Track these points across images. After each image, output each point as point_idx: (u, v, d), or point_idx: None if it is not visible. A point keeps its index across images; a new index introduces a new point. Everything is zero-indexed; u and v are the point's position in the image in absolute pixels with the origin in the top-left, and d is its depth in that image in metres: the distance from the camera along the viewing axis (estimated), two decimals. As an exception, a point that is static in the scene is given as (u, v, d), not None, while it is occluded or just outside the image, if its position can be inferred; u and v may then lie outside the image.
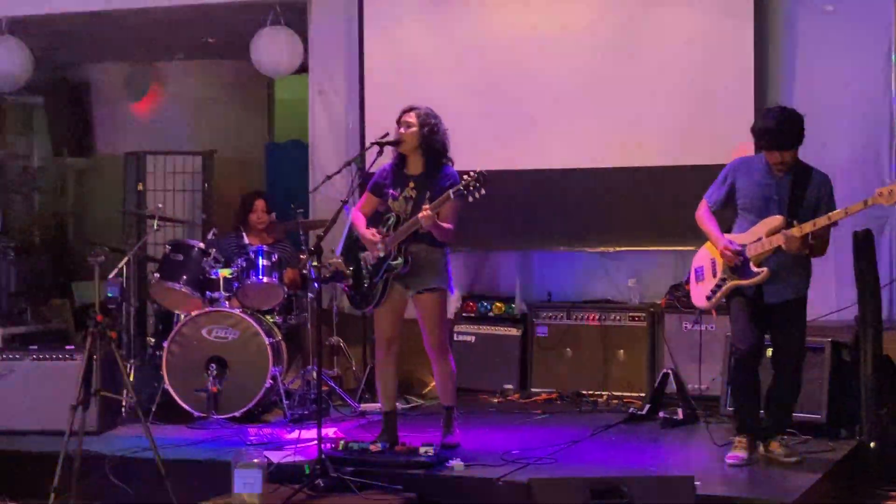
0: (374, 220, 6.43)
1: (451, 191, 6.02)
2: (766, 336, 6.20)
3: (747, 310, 6.08)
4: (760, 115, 6.33)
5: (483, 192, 5.98)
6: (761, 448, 6.19)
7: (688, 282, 6.45)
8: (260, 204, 8.37)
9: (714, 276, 6.19)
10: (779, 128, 5.93)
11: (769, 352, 6.26)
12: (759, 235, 5.99)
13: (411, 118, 6.32)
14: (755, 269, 5.99)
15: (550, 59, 8.35)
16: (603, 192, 8.26)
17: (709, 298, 6.21)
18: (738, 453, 6.09)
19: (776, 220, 5.96)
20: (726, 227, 6.21)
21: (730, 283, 6.09)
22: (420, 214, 6.03)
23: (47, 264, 10.30)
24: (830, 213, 5.83)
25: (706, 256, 6.28)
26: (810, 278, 6.11)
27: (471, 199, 6.01)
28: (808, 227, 5.81)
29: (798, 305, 6.11)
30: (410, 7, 8.80)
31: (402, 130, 6.31)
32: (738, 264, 6.03)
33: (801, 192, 5.98)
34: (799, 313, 6.12)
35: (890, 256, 7.39)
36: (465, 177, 6.00)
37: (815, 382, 6.68)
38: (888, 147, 7.58)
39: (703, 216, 6.24)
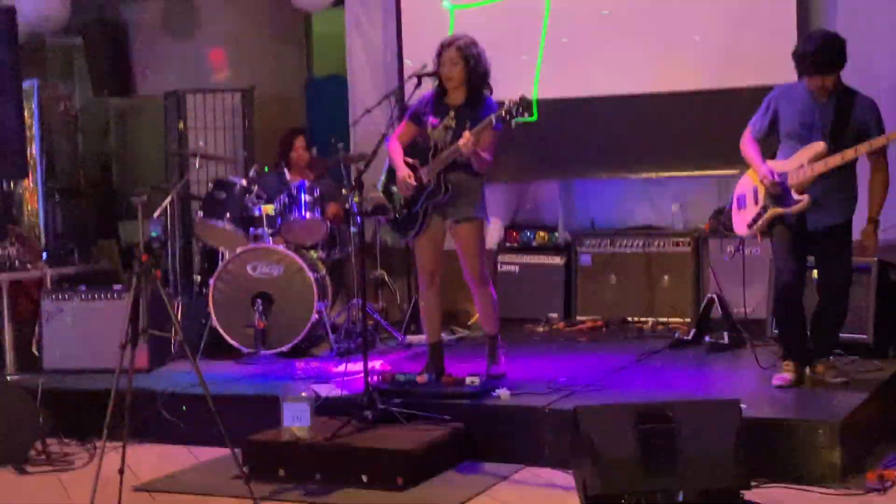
0: (412, 150, 6.39)
1: (493, 115, 5.98)
2: (811, 259, 6.17)
3: (788, 240, 6.04)
4: (801, 39, 6.24)
5: (525, 115, 5.94)
6: (808, 370, 6.18)
7: (731, 209, 6.40)
8: (299, 141, 8.38)
9: (756, 203, 6.13)
10: (818, 52, 5.84)
11: (815, 273, 6.23)
12: (802, 162, 5.92)
13: (454, 55, 6.22)
14: (796, 197, 5.93)
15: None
16: (644, 118, 8.19)
17: (750, 226, 6.17)
18: (784, 375, 6.08)
19: (818, 146, 5.88)
20: (771, 154, 6.16)
21: (771, 212, 6.04)
22: (460, 141, 6.00)
23: (93, 205, 10.36)
24: (872, 141, 5.78)
25: (748, 184, 6.23)
26: (856, 203, 6.04)
27: (513, 123, 5.97)
28: (858, 149, 5.75)
29: (842, 231, 6.03)
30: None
31: (446, 69, 6.23)
32: (778, 192, 5.98)
33: (845, 118, 5.89)
34: (843, 239, 6.05)
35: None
36: (507, 102, 5.97)
37: (861, 302, 6.65)
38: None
39: (747, 144, 6.18)
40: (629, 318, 8.13)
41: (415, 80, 6.28)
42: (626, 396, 5.90)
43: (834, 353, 6.31)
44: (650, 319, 8.09)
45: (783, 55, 6.11)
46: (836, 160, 5.80)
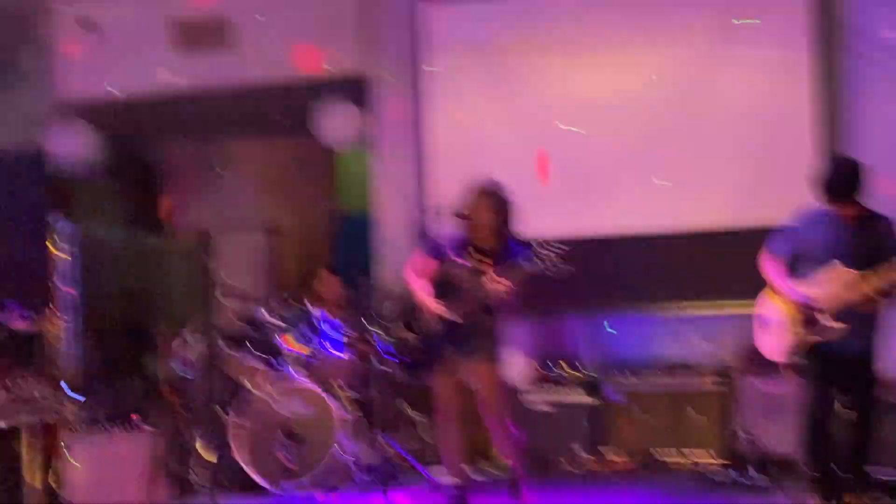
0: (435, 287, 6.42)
1: (524, 263, 5.99)
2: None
3: (818, 368, 5.98)
4: (822, 164, 6.29)
5: (562, 266, 5.95)
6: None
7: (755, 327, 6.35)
8: (334, 281, 8.38)
9: (787, 328, 6.08)
10: (833, 179, 5.89)
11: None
12: (832, 288, 5.90)
13: (486, 205, 6.28)
14: (834, 325, 5.90)
15: (612, 124, 8.37)
16: (672, 255, 8.24)
17: (787, 353, 6.12)
18: None
19: (848, 272, 5.86)
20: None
21: (809, 339, 6.00)
22: (490, 285, 6.00)
23: (123, 342, 10.39)
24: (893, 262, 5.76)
25: (772, 306, 6.19)
26: (881, 331, 6.00)
27: (548, 273, 5.98)
28: (882, 275, 5.73)
29: (869, 357, 6.00)
30: (471, 78, 8.87)
31: (480, 215, 6.27)
32: (814, 319, 5.94)
33: (867, 241, 5.90)
34: (869, 365, 6.01)
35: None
36: (545, 251, 5.97)
37: (898, 440, 6.55)
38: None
39: (771, 268, 6.17)
40: (658, 456, 8.01)
41: (441, 217, 6.32)
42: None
43: (871, 494, 6.18)
44: (681, 459, 7.96)
45: (806, 192, 6.15)
46: (871, 284, 5.75)
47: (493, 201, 6.27)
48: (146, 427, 7.19)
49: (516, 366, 7.85)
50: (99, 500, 7.11)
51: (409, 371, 6.67)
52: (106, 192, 12.32)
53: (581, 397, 8.42)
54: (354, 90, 9.28)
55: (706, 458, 7.87)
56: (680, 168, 8.18)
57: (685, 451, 8.02)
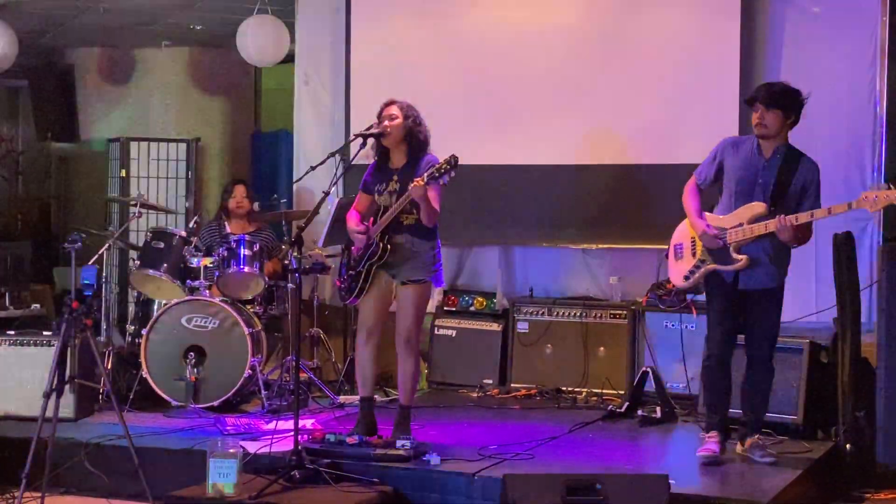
0: (371, 217, 6.43)
1: (425, 173, 6.05)
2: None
3: (721, 305, 6.10)
4: None
5: (453, 174, 6.02)
6: (739, 447, 6.20)
7: (667, 256, 6.43)
8: (240, 189, 8.32)
9: (693, 255, 6.18)
10: (769, 86, 6.00)
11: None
12: (741, 221, 5.97)
13: (394, 110, 6.34)
14: (736, 256, 5.99)
15: (535, 57, 8.34)
16: (586, 190, 8.26)
17: (686, 279, 6.21)
18: (708, 446, 6.09)
19: (759, 206, 5.93)
20: (710, 204, 6.22)
21: (709, 266, 6.09)
22: (410, 185, 6.03)
23: (29, 249, 10.25)
24: (814, 211, 5.84)
25: (686, 234, 6.25)
26: (788, 268, 6.11)
27: (442, 182, 6.05)
28: (799, 217, 5.81)
29: (774, 294, 6.09)
30: (398, 0, 8.79)
31: (386, 123, 6.31)
32: (717, 248, 6.04)
33: (787, 179, 5.94)
34: (775, 302, 6.11)
35: (870, 259, 7.37)
36: (440, 161, 6.07)
37: (792, 384, 6.69)
38: (871, 151, 7.58)
39: (689, 193, 6.22)
40: (563, 388, 8.12)
41: (360, 139, 6.33)
42: (556, 467, 5.87)
43: (763, 431, 6.34)
44: (584, 390, 8.08)
45: (726, 132, 6.20)
46: (777, 223, 5.84)
47: (399, 109, 6.30)
48: (53, 338, 7.10)
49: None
50: (2, 411, 7.04)
51: (339, 296, 6.66)
52: (21, 94, 12.10)
53: (490, 326, 8.49)
54: (280, 4, 9.15)
55: (610, 391, 7.99)
56: (601, 103, 8.18)
57: (591, 383, 8.13)
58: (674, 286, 6.55)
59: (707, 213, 6.15)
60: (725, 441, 6.17)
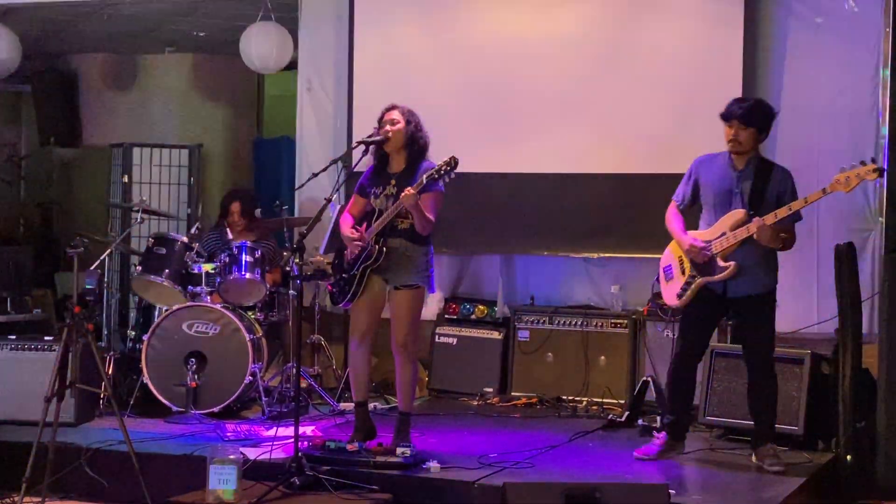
0: (365, 221, 6.42)
1: (424, 175, 6.05)
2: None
3: (699, 311, 6.17)
4: None
5: (453, 175, 6.04)
6: (753, 457, 6.23)
7: (658, 281, 6.48)
8: (235, 206, 8.26)
9: (683, 274, 6.23)
10: (739, 102, 6.09)
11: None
12: (724, 230, 6.07)
13: (396, 115, 6.34)
14: (722, 264, 6.05)
15: (538, 66, 8.33)
16: (588, 198, 8.26)
17: (679, 297, 6.26)
18: (646, 447, 6.22)
19: (738, 213, 6.04)
20: (694, 225, 6.27)
21: (699, 281, 6.14)
22: (402, 194, 6.03)
23: (31, 254, 10.25)
24: (791, 204, 5.93)
25: (673, 255, 6.35)
26: (777, 274, 6.16)
27: (442, 183, 6.07)
28: (778, 213, 5.88)
29: (764, 301, 6.15)
30: (401, 8, 8.79)
31: (387, 128, 6.32)
32: (704, 261, 6.07)
33: (763, 186, 6.05)
34: (765, 308, 6.16)
35: (872, 270, 7.39)
36: (438, 163, 6.08)
37: (793, 394, 6.69)
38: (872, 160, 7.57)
39: (670, 216, 6.34)
40: (564, 397, 8.12)
41: (362, 146, 6.34)
42: (556, 475, 5.87)
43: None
44: (584, 399, 8.08)
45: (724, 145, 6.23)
46: (755, 225, 5.90)
47: (401, 114, 6.31)
48: (54, 343, 7.10)
49: (429, 299, 7.86)
50: (4, 416, 7.03)
51: (330, 298, 6.65)
52: (23, 98, 12.11)
53: (491, 334, 8.49)
54: (283, 11, 9.15)
55: (611, 400, 7.98)
56: (604, 112, 8.19)
57: (591, 392, 8.13)
58: (669, 307, 6.57)
59: (690, 231, 6.24)
60: (676, 445, 6.25)
